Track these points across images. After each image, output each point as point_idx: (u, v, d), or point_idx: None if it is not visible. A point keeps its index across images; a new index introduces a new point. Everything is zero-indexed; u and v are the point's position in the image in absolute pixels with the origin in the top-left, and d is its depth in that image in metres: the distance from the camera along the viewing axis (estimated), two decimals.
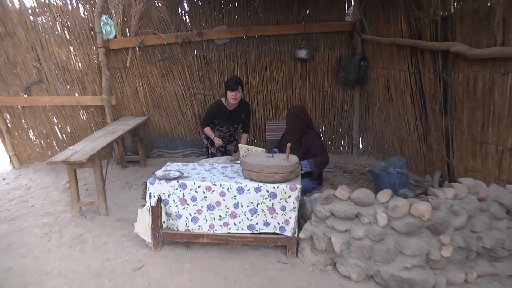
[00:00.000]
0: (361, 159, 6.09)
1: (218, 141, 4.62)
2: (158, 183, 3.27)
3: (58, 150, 5.97)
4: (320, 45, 5.93)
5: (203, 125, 4.78)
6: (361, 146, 6.37)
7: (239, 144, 4.13)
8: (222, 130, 4.77)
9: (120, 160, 5.74)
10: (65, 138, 5.99)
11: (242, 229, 3.29)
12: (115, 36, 5.53)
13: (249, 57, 5.91)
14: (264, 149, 3.88)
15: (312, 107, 6.22)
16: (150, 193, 3.29)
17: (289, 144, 3.24)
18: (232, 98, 4.39)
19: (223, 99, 4.58)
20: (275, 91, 6.13)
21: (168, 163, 3.75)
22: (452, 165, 4.45)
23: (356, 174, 5.39)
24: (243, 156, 3.95)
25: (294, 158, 3.32)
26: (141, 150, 5.68)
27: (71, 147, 4.14)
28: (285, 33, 5.81)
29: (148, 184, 3.29)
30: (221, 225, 3.31)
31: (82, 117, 5.91)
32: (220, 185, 3.19)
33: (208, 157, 4.80)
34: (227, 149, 4.83)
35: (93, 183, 4.73)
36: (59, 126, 5.92)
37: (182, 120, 6.11)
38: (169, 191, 3.27)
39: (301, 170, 3.78)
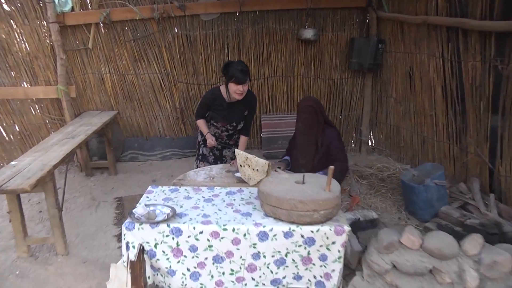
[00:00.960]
0: (371, 158, 5.23)
1: (210, 140, 3.55)
2: (138, 229, 2.21)
3: (4, 156, 4.75)
4: (328, 24, 4.91)
5: (196, 115, 3.72)
6: (369, 143, 5.48)
7: (236, 150, 3.10)
8: (217, 126, 3.69)
9: (84, 167, 4.60)
10: (13, 139, 4.76)
11: (264, 284, 2.31)
12: (72, 8, 4.29)
13: (243, 37, 4.83)
14: (268, 162, 2.86)
15: (316, 97, 5.24)
16: (128, 242, 2.22)
17: (331, 167, 2.24)
18: (238, 93, 3.30)
19: (222, 88, 3.49)
20: (273, 79, 5.10)
21: (149, 188, 2.68)
22: (497, 173, 3.62)
23: (374, 180, 4.50)
24: (241, 166, 2.97)
25: (336, 186, 2.33)
26: (110, 154, 4.55)
27: (13, 162, 2.98)
28: (287, 8, 4.74)
29: (124, 230, 2.22)
30: (233, 281, 2.31)
31: (33, 112, 4.68)
32: (233, 229, 2.18)
33: (198, 159, 3.79)
34: (223, 155, 3.78)
35: None
36: (4, 124, 4.68)
37: (159, 114, 4.99)
38: (156, 240, 2.21)
39: None
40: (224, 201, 2.50)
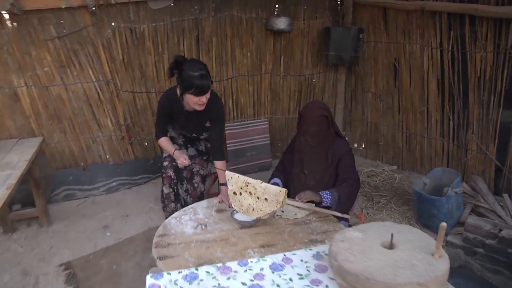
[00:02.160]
0: None
1: (183, 159, 2.76)
2: None
3: None
4: (299, 11, 4.15)
5: (156, 133, 2.96)
6: None
7: (227, 172, 2.30)
8: (175, 137, 3.08)
9: (1, 222, 3.24)
10: None
11: None
12: None
13: (202, 29, 3.83)
14: (284, 190, 2.11)
15: (286, 97, 4.50)
16: None
17: (443, 224, 1.51)
18: (199, 104, 2.60)
19: (179, 90, 2.69)
20: (238, 79, 4.21)
21: (150, 281, 1.66)
22: (508, 172, 3.36)
23: (367, 189, 3.97)
24: (235, 193, 2.23)
25: (445, 256, 1.60)
26: (38, 198, 3.25)
27: None
28: None
29: None
30: None
31: None
32: None
33: (165, 172, 2.93)
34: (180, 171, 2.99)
35: None
36: None
37: (99, 135, 3.75)
38: None
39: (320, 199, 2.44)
40: (278, 286, 1.63)
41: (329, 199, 2.43)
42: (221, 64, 4.04)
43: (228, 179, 2.27)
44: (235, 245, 2.05)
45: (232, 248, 2.03)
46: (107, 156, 3.84)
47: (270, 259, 1.76)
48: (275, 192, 2.09)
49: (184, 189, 2.98)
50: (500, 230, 3.05)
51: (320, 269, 1.68)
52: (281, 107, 4.52)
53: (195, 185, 3.00)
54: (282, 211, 2.36)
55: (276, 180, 2.74)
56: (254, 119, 4.42)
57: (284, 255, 1.79)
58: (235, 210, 2.29)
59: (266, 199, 2.13)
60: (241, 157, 4.36)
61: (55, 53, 3.32)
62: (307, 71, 4.44)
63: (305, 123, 2.52)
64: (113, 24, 3.44)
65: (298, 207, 2.39)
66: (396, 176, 4.10)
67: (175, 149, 2.85)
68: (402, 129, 4.23)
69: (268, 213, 2.14)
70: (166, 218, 3.16)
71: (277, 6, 4.04)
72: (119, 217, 3.51)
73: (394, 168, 4.32)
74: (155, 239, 2.12)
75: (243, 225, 2.21)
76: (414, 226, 3.41)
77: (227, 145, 4.23)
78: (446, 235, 3.26)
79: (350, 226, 2.61)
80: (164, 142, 2.90)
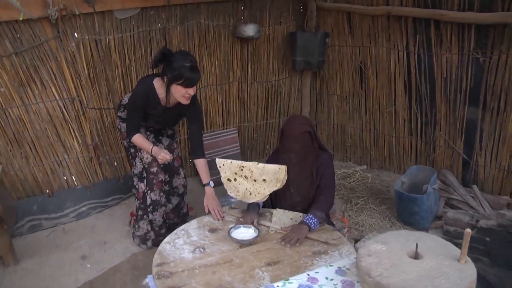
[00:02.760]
0: None
1: (164, 154, 2.66)
2: None
3: None
4: (264, 17, 4.11)
5: (128, 129, 2.79)
6: None
7: (217, 159, 2.44)
8: (146, 127, 2.95)
9: None
10: None
11: None
12: None
13: (170, 38, 3.65)
14: (284, 166, 2.24)
15: (254, 104, 4.44)
16: None
17: (468, 230, 1.55)
18: (186, 97, 2.57)
19: (156, 82, 2.66)
20: (206, 89, 4.08)
21: None
22: (475, 165, 3.62)
23: (344, 191, 4.04)
24: (229, 180, 2.30)
25: (469, 261, 1.64)
26: (2, 235, 2.88)
27: None
28: None
29: None
30: None
31: None
32: None
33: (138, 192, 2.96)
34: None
35: None
36: None
37: (65, 158, 3.41)
38: None
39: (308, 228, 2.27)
40: None
41: (315, 221, 2.31)
42: None
43: (220, 167, 2.26)
44: (241, 266, 1.99)
45: (239, 270, 1.97)
46: (75, 180, 3.51)
47: (296, 280, 1.71)
48: (274, 170, 2.10)
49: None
50: (477, 220, 3.24)
51: (347, 285, 1.67)
52: (249, 115, 4.46)
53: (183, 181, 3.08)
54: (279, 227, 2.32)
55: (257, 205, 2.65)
56: (223, 129, 4.31)
57: (308, 274, 1.75)
58: (232, 227, 2.24)
59: (264, 180, 2.09)
60: (212, 168, 4.19)
61: (13, 71, 2.97)
62: (274, 77, 4.42)
63: (288, 140, 2.45)
64: (76, 36, 3.15)
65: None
66: (368, 176, 4.21)
67: (153, 146, 2.74)
68: (369, 130, 4.35)
69: (267, 195, 2.14)
70: (139, 244, 3.07)
71: (244, 11, 3.97)
72: (96, 245, 3.23)
73: (364, 167, 4.44)
74: (154, 269, 1.99)
75: (243, 244, 2.16)
76: (395, 224, 3.53)
77: None
78: (426, 230, 3.42)
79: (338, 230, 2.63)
80: (139, 139, 2.74)
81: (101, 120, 3.51)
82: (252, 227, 2.26)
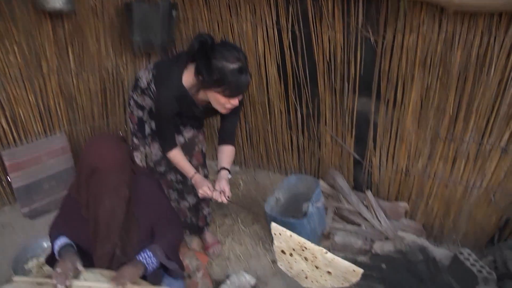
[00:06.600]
0: None
1: (206, 189, 2.12)
2: None
3: None
4: None
5: (164, 145, 2.23)
6: None
7: (273, 225, 1.86)
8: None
9: None
10: None
11: None
12: None
13: None
14: (360, 270, 1.71)
15: (87, 100, 3.34)
16: None
17: None
18: (226, 108, 2.02)
19: (186, 81, 2.03)
20: (6, 87, 2.86)
21: None
22: (368, 165, 3.08)
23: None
24: (284, 253, 1.86)
25: None
26: None
27: None
28: None
29: None
30: None
31: None
32: None
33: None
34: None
35: None
36: None
37: None
38: None
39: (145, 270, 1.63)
40: None
41: (153, 259, 1.62)
42: None
43: (275, 234, 1.79)
44: None
45: None
46: None
47: None
48: (346, 269, 1.66)
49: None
50: (372, 241, 2.75)
51: None
52: (81, 114, 3.36)
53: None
54: None
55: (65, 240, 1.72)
56: (44, 137, 3.16)
57: None
58: None
59: (329, 272, 1.73)
60: (36, 194, 3.10)
61: None
62: (109, 63, 3.35)
63: (94, 179, 1.57)
64: None
65: None
66: (241, 182, 3.49)
67: (195, 172, 2.21)
68: (240, 124, 3.59)
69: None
70: None
71: None
72: None
73: (237, 169, 3.71)
74: None
75: None
76: (269, 251, 2.81)
77: (12, 181, 2.94)
78: None
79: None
80: (178, 156, 2.21)
81: None
82: None
